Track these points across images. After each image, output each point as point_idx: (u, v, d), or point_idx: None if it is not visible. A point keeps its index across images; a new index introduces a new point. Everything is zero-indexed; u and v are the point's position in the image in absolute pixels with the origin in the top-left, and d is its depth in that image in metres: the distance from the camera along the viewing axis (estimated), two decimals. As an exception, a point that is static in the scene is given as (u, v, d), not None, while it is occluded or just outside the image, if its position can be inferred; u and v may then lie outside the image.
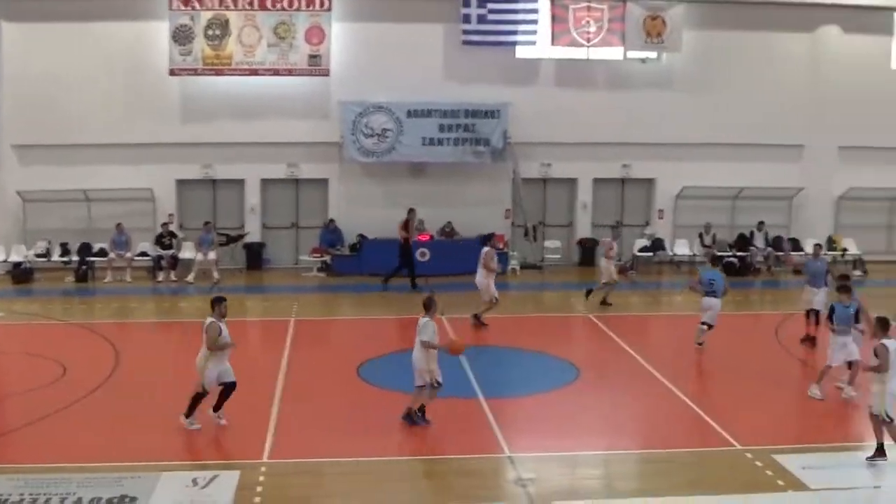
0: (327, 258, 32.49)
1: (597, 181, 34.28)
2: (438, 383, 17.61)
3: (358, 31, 32.30)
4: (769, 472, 15.73)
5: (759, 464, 16.07)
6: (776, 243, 34.07)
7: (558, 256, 33.89)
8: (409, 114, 32.37)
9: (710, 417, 18.28)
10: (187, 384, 17.46)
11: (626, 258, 33.58)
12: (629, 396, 19.93)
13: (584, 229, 34.38)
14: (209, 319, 17.43)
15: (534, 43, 32.63)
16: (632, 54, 33.51)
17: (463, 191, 33.24)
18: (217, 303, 17.63)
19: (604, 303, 28.00)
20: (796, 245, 34.21)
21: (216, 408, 17.38)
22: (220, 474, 15.02)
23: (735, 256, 33.21)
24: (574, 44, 32.83)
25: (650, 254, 33.71)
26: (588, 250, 33.90)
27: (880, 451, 16.09)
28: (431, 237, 32.41)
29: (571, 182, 34.35)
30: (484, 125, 32.63)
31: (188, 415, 17.16)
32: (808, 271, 24.36)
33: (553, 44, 32.87)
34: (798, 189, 34.50)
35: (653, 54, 33.82)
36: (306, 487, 14.88)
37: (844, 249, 34.52)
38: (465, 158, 32.82)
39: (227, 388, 17.30)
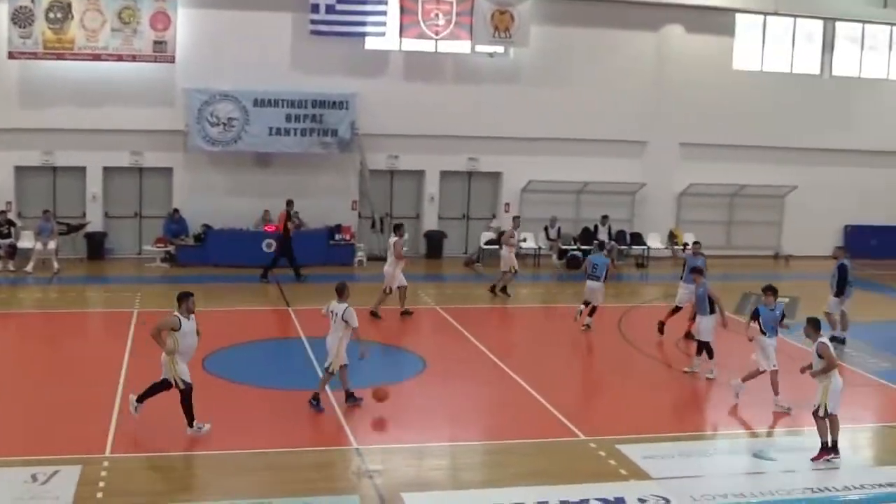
0: (171, 248, 31.94)
1: (444, 174, 34.42)
2: (344, 366, 17.91)
3: (204, 17, 31.79)
4: (612, 462, 16.01)
5: (602, 454, 16.33)
6: (619, 237, 34.68)
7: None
8: (256, 103, 32.00)
9: (554, 408, 18.50)
10: (25, 376, 16.96)
11: (473, 251, 33.83)
12: (475, 388, 20.07)
13: (430, 221, 34.49)
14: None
15: (383, 34, 32.59)
16: (480, 48, 33.69)
17: (310, 182, 33.00)
18: (184, 298, 17.12)
19: (503, 291, 28.50)
20: (638, 239, 34.86)
21: (141, 398, 16.70)
22: (61, 469, 14.59)
23: (579, 250, 33.65)
24: (423, 36, 32.90)
25: (496, 246, 33.88)
26: (435, 242, 34.02)
27: (825, 450, 16.44)
28: (278, 228, 32.09)
29: (419, 174, 34.42)
30: (331, 116, 32.45)
31: (191, 423, 16.54)
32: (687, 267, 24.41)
33: (402, 36, 32.91)
34: (641, 184, 35.18)
35: (500, 49, 34.07)
36: (150, 482, 14.62)
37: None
38: (312, 149, 32.60)
39: (163, 386, 16.66)
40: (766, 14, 36.04)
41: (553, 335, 25.93)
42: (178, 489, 14.50)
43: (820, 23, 36.98)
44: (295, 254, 29.87)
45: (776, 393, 19.09)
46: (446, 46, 33.62)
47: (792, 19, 36.56)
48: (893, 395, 20.88)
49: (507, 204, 34.75)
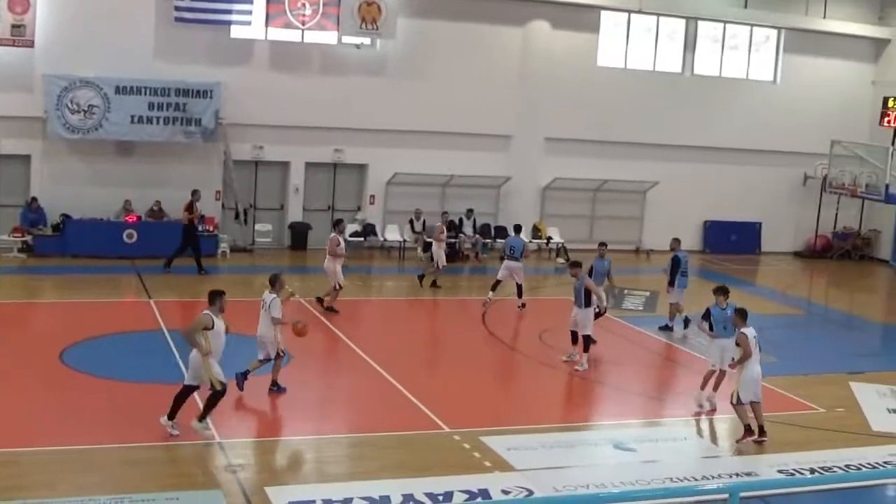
0: (28, 238, 31.10)
1: (309, 165, 34.17)
2: (284, 352, 18.74)
3: (66, 1, 30.98)
4: (476, 454, 16.13)
5: (466, 446, 16.44)
6: (484, 230, 34.86)
7: (269, 240, 33.62)
8: (118, 90, 31.32)
9: (419, 401, 18.56)
10: None
11: (338, 243, 33.70)
12: (340, 381, 20.06)
13: (295, 213, 34.22)
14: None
15: (248, 23, 32.19)
16: (347, 39, 33.55)
17: (172, 171, 32.42)
18: (217, 296, 17.02)
19: (433, 285, 28.88)
20: (503, 232, 35.08)
21: (171, 416, 16.24)
22: None
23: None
24: (289, 26, 32.61)
25: (361, 239, 33.85)
26: (299, 234, 33.77)
27: (747, 432, 17.18)
28: (139, 218, 31.53)
29: (284, 165, 34.11)
30: (195, 105, 31.95)
31: (203, 417, 16.26)
32: (594, 270, 24.56)
33: (268, 25, 32.57)
34: (506, 178, 35.41)
35: (367, 40, 33.97)
36: (4, 478, 14.21)
37: (549, 238, 35.70)
38: (175, 138, 32.05)
39: (187, 394, 16.36)
40: (630, 12, 36.58)
41: (418, 328, 26.01)
42: (31, 485, 14.09)
43: (682, 22, 37.66)
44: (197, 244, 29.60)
45: (702, 388, 19.44)
46: (313, 37, 33.38)
47: (655, 18, 37.16)
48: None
49: (373, 196, 34.69)
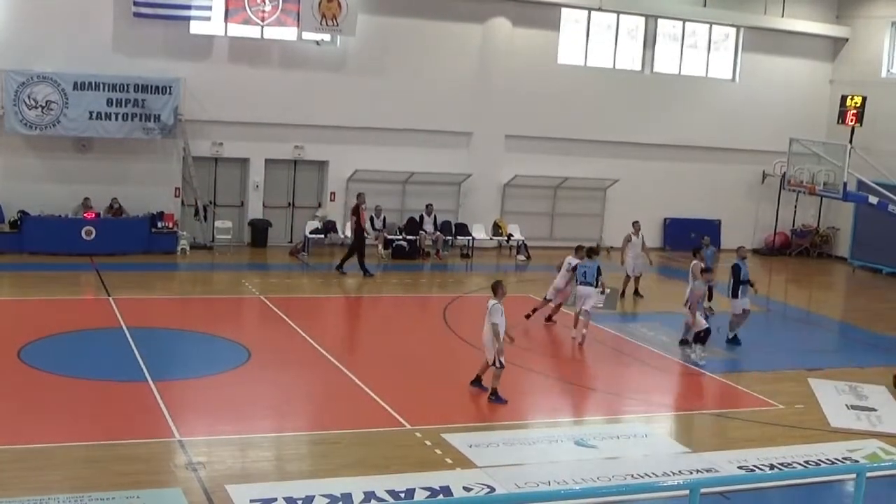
0: (-16, 235, 30.82)
1: (269, 162, 34.00)
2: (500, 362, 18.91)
3: (22, -3, 30.78)
4: (438, 451, 16.12)
5: (428, 443, 16.43)
6: (444, 227, 34.82)
7: (229, 237, 33.41)
8: (76, 86, 31.04)
9: (380, 398, 18.52)
10: None
11: (298, 240, 33.59)
12: (300, 378, 19.98)
13: (255, 210, 34.06)
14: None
15: (208, 19, 31.99)
16: (307, 35, 33.41)
17: (131, 168, 32.20)
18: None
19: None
20: (463, 229, 35.09)
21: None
22: None
23: (405, 240, 33.73)
24: (249, 22, 32.43)
25: (322, 236, 33.73)
26: (259, 231, 33.61)
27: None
28: (98, 215, 31.27)
29: (243, 162, 33.93)
30: (155, 101, 31.69)
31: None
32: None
33: (227, 21, 32.38)
34: (466, 175, 35.41)
35: (328, 37, 33.85)
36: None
37: (510, 235, 35.72)
38: (134, 134, 31.78)
39: None
40: (590, 10, 36.65)
41: (379, 325, 25.98)
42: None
43: (642, 20, 37.79)
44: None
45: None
46: (273, 33, 33.22)
47: (615, 15, 37.26)
48: (709, 383, 21.52)
49: (333, 193, 34.56)
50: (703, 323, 22.63)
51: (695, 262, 24.25)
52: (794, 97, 39.40)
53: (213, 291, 27.59)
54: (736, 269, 24.64)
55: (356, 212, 30.06)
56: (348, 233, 33.18)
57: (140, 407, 17.34)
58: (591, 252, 25.04)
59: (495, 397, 18.78)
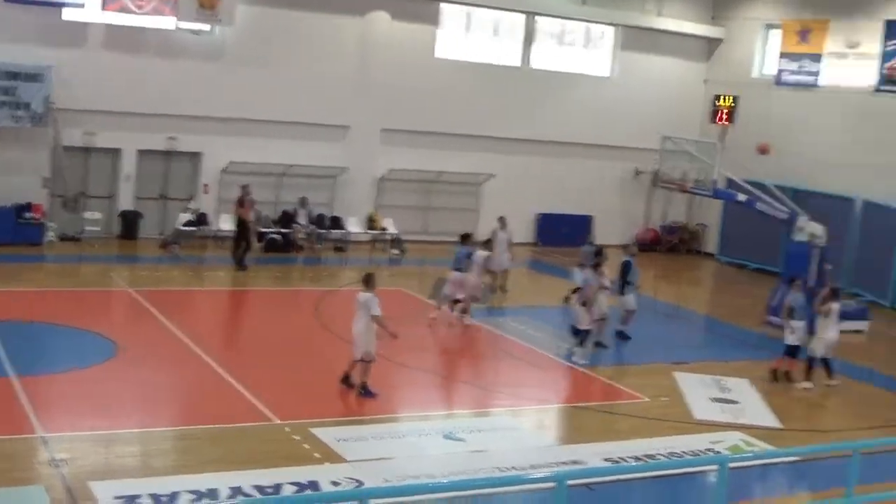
0: None
1: (142, 152, 33.46)
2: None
3: None
4: (307, 446, 16.08)
5: (296, 437, 16.38)
6: (319, 221, 34.64)
7: (98, 229, 32.79)
8: (-58, 73, 30.28)
9: (249, 393, 18.40)
10: None
11: (170, 232, 33.13)
12: (168, 372, 19.71)
13: (126, 201, 33.48)
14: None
15: (81, 5, 31.33)
16: (184, 25, 32.94)
17: (-2, 157, 31.51)
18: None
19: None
20: (338, 223, 34.97)
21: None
22: None
23: (279, 233, 33.51)
24: (125, 10, 31.79)
25: (194, 228, 33.31)
26: (130, 223, 33.07)
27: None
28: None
29: (115, 152, 33.33)
30: (25, 88, 30.92)
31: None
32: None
33: (104, 8, 31.73)
34: (342, 168, 35.28)
35: (206, 26, 33.42)
36: None
37: (384, 228, 35.70)
38: (2, 123, 30.99)
39: None
40: (470, 5, 36.80)
41: (251, 319, 25.82)
42: None
43: (522, 16, 38.04)
44: None
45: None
46: (150, 22, 32.63)
47: (495, 11, 37.45)
48: (576, 377, 21.80)
49: (206, 185, 34.17)
50: (587, 321, 22.81)
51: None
52: (669, 96, 40.07)
53: (80, 284, 27.07)
54: (626, 266, 25.03)
55: (241, 203, 29.84)
56: (221, 225, 32.89)
57: (1, 403, 16.96)
58: (465, 238, 25.94)
59: (365, 391, 18.79)
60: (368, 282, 18.98)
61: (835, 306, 22.36)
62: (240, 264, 29.51)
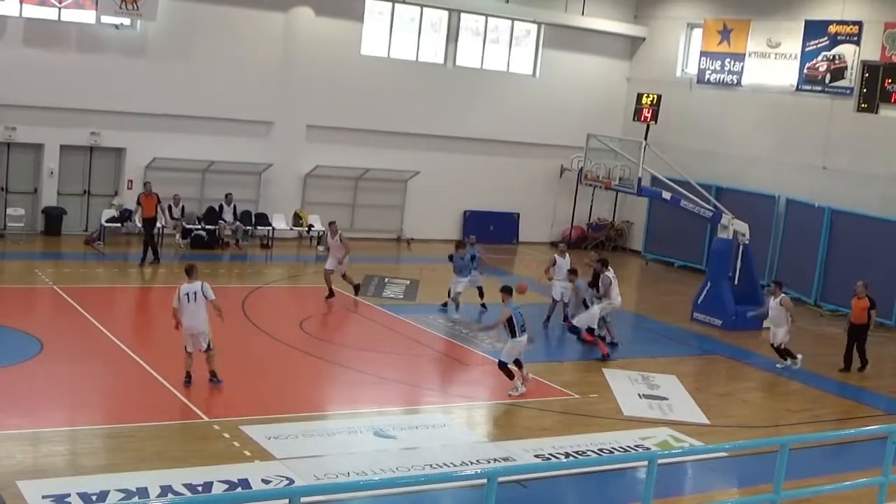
0: None
1: (64, 148, 33.01)
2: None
3: None
4: (236, 444, 16.01)
5: (226, 435, 16.29)
6: (245, 217, 34.42)
7: (21, 225, 32.32)
8: None
9: (177, 391, 18.28)
10: None
11: (94, 228, 32.74)
12: (95, 370, 19.49)
13: (49, 198, 33.04)
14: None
15: (1, -1, 30.93)
16: (106, 19, 32.55)
17: (-84, 151, 30.96)
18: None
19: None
20: (264, 219, 34.77)
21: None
22: None
23: (204, 230, 33.24)
24: (45, 3, 31.40)
25: (118, 224, 32.93)
26: (54, 219, 32.64)
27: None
28: None
29: (37, 147, 32.87)
30: (-57, 83, 30.50)
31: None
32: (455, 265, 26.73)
33: (23, 2, 31.27)
34: (267, 165, 35.09)
35: (127, 21, 33.05)
36: None
37: (310, 225, 35.56)
38: (-81, 118, 30.55)
39: None
40: (394, 1, 36.76)
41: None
42: None
43: (446, 13, 38.08)
44: None
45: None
46: (70, 15, 32.23)
47: (419, 8, 37.44)
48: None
49: (130, 181, 33.78)
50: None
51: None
52: (593, 94, 40.35)
53: (3, 281, 26.65)
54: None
55: (139, 200, 29.66)
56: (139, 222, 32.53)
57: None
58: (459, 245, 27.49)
59: (216, 379, 18.85)
60: (191, 272, 19.13)
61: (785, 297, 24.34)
62: (155, 255, 29.43)
